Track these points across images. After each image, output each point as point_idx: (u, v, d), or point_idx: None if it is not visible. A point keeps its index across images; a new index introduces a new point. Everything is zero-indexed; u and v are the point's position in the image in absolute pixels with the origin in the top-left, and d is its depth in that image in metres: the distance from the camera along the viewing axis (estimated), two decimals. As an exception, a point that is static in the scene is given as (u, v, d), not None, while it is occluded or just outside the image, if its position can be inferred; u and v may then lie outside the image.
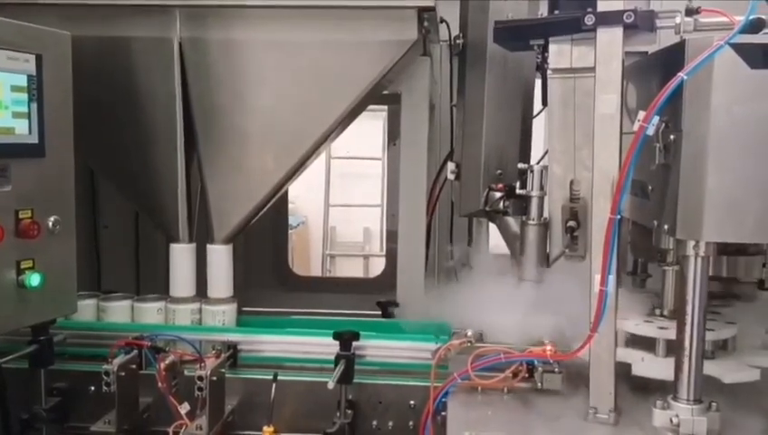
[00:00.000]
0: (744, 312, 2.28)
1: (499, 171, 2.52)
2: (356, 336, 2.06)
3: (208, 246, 2.25)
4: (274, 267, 3.72)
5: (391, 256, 3.40)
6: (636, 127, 1.63)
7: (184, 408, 2.01)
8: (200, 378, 1.91)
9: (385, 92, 2.49)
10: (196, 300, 2.33)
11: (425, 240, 2.77)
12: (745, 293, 2.22)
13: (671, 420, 1.72)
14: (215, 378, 1.96)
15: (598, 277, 1.80)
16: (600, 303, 1.79)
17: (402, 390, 2.14)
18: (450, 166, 2.66)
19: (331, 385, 1.89)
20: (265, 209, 2.29)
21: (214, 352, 2.08)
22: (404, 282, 2.53)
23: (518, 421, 1.87)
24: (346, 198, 8.82)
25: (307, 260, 9.47)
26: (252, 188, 2.16)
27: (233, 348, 2.14)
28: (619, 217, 1.73)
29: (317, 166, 10.22)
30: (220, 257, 2.25)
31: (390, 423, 2.13)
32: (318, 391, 2.10)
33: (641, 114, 1.61)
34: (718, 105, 1.62)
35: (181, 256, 2.26)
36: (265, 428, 1.99)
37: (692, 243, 1.69)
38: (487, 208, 2.33)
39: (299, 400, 2.13)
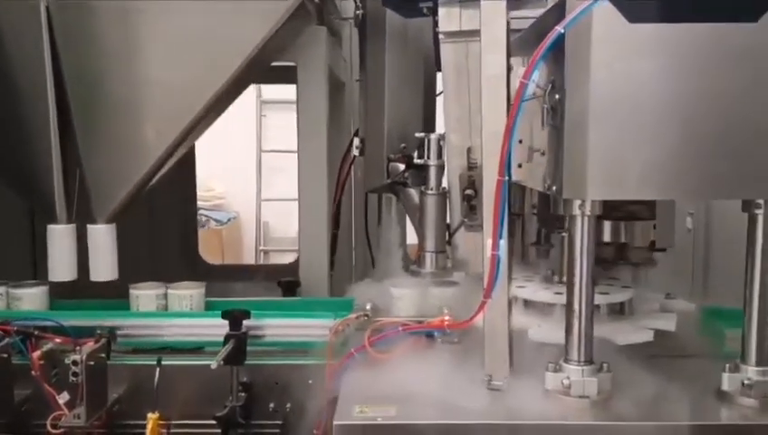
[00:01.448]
0: (646, 278, 2.36)
1: (403, 144, 2.52)
2: (246, 314, 2.00)
3: (89, 227, 2.15)
4: (183, 256, 3.63)
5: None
6: (515, 84, 1.63)
7: (63, 397, 1.92)
8: (75, 363, 1.83)
9: (278, 64, 2.44)
10: (159, 286, 2.24)
11: (334, 219, 2.74)
12: (647, 259, 2.28)
13: (563, 383, 1.74)
14: (92, 363, 1.87)
15: (489, 242, 1.81)
16: (492, 268, 1.79)
17: (300, 369, 2.11)
18: (355, 141, 2.64)
19: (214, 365, 1.84)
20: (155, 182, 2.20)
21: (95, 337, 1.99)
22: (307, 261, 2.49)
23: (413, 394, 1.85)
24: (279, 193, 8.74)
25: (240, 257, 9.34)
26: (133, 163, 2.08)
27: (112, 332, 2.05)
28: (506, 178, 1.74)
29: (248, 160, 10.13)
30: (102, 238, 2.16)
31: (288, 405, 2.09)
32: (211, 374, 2.03)
33: (521, 70, 1.62)
34: (598, 62, 1.63)
35: (59, 237, 2.16)
36: (150, 415, 1.92)
37: (578, 202, 1.71)
38: (388, 181, 2.32)
39: (190, 385, 2.07)
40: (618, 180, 1.67)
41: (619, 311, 2.09)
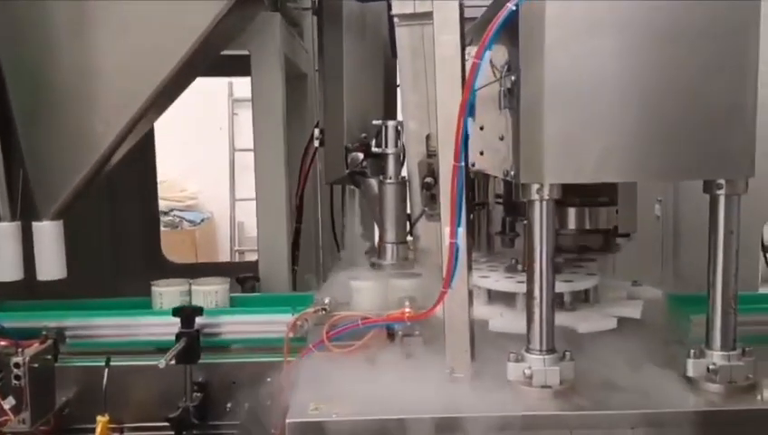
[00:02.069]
0: (613, 266, 2.34)
1: (364, 134, 2.47)
2: (198, 311, 1.94)
3: (34, 224, 2.07)
4: (146, 255, 3.55)
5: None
6: (469, 64, 1.59)
7: (8, 402, 1.84)
8: (17, 365, 1.75)
9: (231, 52, 2.37)
10: (182, 283, 2.16)
11: (297, 212, 2.68)
12: (611, 246, 2.24)
13: (524, 373, 1.70)
14: (36, 366, 1.80)
15: (447, 231, 1.76)
16: (450, 257, 1.74)
17: (258, 367, 2.05)
18: (315, 132, 2.59)
19: (162, 364, 1.77)
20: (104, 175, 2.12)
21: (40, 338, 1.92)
22: (266, 256, 2.43)
23: (372, 390, 1.80)
24: (253, 192, 8.58)
25: (215, 257, 9.23)
26: (77, 156, 2.00)
27: (60, 334, 1.98)
28: (462, 164, 1.70)
29: (221, 159, 10.00)
30: (48, 236, 2.07)
31: (246, 404, 2.03)
32: (164, 375, 1.97)
33: (472, 50, 1.57)
34: (553, 41, 1.60)
35: (2, 236, 2.08)
36: (99, 418, 1.85)
37: (535, 186, 1.67)
38: (347, 171, 2.26)
39: (144, 386, 2.00)
40: (575, 163, 1.63)
41: (583, 299, 2.05)
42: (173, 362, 1.88)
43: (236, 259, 8.70)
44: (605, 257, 2.33)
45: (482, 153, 2.18)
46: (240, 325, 2.10)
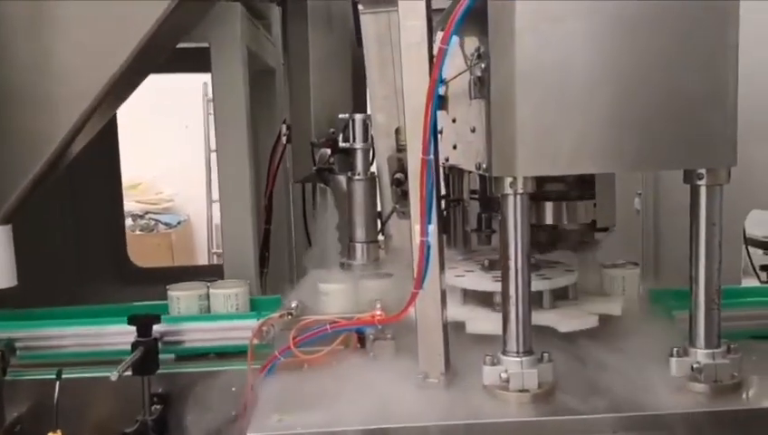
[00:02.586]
0: (593, 261, 2.26)
1: (332, 129, 2.37)
2: (155, 319, 1.83)
3: (-20, 229, 1.95)
4: (111, 259, 3.42)
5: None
6: (436, 50, 1.50)
7: (-47, 421, 1.73)
8: (-43, 382, 1.64)
9: (191, 45, 2.26)
10: (200, 286, 2.07)
11: (266, 213, 2.59)
12: (589, 241, 2.17)
13: (500, 377, 1.62)
14: (-20, 381, 1.69)
15: (417, 228, 1.67)
16: (421, 256, 1.66)
17: (222, 376, 1.95)
18: (282, 128, 2.49)
19: (114, 377, 1.66)
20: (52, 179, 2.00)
21: (-13, 351, 1.81)
22: (231, 260, 2.32)
23: (340, 397, 1.71)
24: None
25: (192, 259, 9.08)
26: (24, 157, 1.89)
27: (9, 345, 1.86)
28: (431, 157, 1.61)
29: (196, 161, 9.85)
30: (-5, 241, 1.96)
31: (209, 416, 1.93)
32: (123, 387, 1.87)
33: (439, 35, 1.49)
34: (523, 25, 1.52)
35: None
36: (50, 434, 1.74)
37: (508, 180, 1.59)
38: (313, 168, 2.17)
39: (101, 399, 1.90)
40: (550, 154, 1.55)
41: (562, 296, 1.98)
42: (129, 373, 1.77)
43: (215, 262, 8.55)
44: (583, 253, 2.27)
45: (455, 147, 2.11)
46: (203, 332, 2.00)
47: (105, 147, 3.43)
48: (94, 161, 3.16)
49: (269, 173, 2.71)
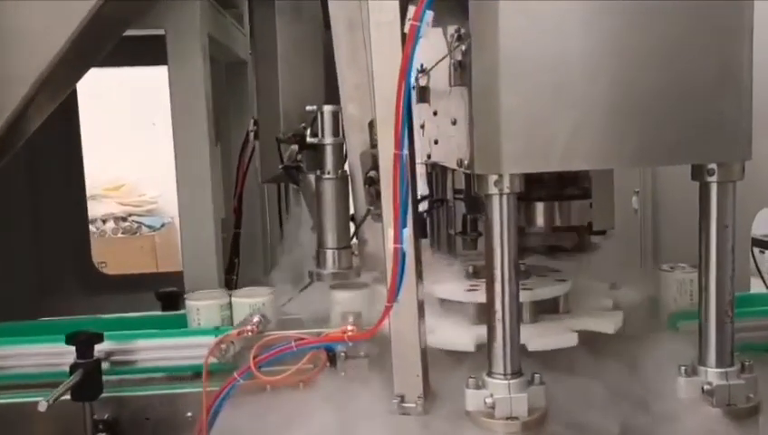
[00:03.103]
0: (588, 267, 2.08)
1: (303, 124, 2.17)
2: (97, 338, 1.63)
3: None
4: (74, 266, 3.22)
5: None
6: (407, 28, 1.30)
7: None
8: None
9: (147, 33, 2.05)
10: (221, 294, 1.89)
11: (235, 215, 2.39)
12: (585, 245, 1.98)
13: (485, 402, 1.42)
14: None
15: (391, 233, 1.48)
16: (395, 264, 1.46)
17: (176, 399, 1.76)
18: (249, 124, 2.29)
19: (42, 407, 1.45)
20: None
21: None
22: (192, 267, 2.12)
23: (305, 425, 1.51)
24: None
25: (177, 262, 8.84)
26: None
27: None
28: (405, 152, 1.42)
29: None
30: None
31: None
32: (65, 413, 1.68)
33: (411, 10, 1.29)
34: (509, 3, 1.32)
35: None
36: (-25, 470, 1.54)
37: (493, 178, 1.39)
38: (279, 167, 1.96)
39: (38, 427, 1.69)
40: (540, 149, 1.36)
41: (550, 309, 1.78)
42: (67, 396, 1.57)
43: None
44: (580, 258, 2.08)
45: (436, 142, 1.92)
46: (156, 351, 1.79)
47: (67, 150, 3.23)
48: (56, 165, 2.97)
49: (238, 173, 2.51)
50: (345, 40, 1.68)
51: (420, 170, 2.11)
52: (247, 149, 2.51)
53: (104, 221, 9.06)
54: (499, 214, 1.41)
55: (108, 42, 1.79)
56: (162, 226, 9.25)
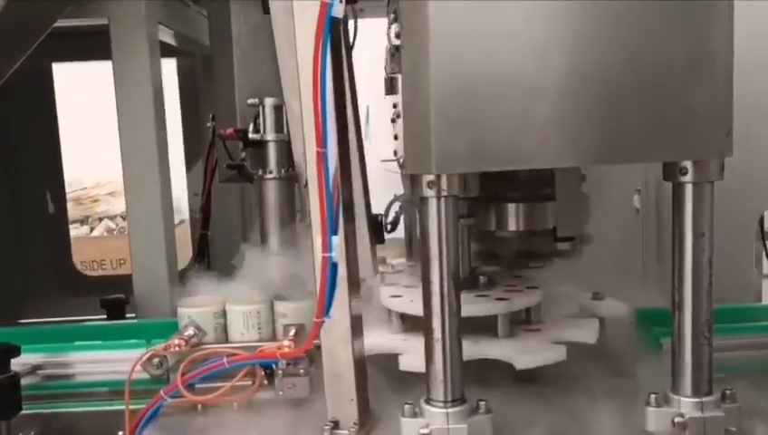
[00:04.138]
0: (566, 272, 1.89)
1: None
2: (12, 351, 1.50)
3: None
4: (54, 268, 3.13)
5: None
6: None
7: None
8: None
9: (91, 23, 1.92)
10: (215, 301, 1.74)
11: (203, 215, 2.25)
12: (554, 252, 1.80)
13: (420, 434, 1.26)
14: None
15: (319, 241, 1.32)
16: (324, 276, 1.30)
17: (105, 417, 1.63)
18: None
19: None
20: None
21: None
22: (141, 275, 1.98)
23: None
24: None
25: (184, 262, 8.80)
26: None
27: None
28: (327, 150, 1.26)
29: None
30: None
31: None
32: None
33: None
34: (440, -27, 1.15)
35: None
36: None
37: (426, 178, 1.22)
38: (225, 166, 1.82)
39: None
40: (479, 146, 1.18)
41: (523, 320, 1.61)
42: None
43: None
44: (561, 264, 1.90)
45: (396, 138, 1.75)
46: (86, 364, 1.67)
47: (45, 149, 3.14)
48: (34, 165, 2.88)
49: (205, 172, 2.38)
50: (284, 26, 1.53)
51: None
52: (213, 147, 2.38)
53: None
54: (437, 220, 1.24)
55: (37, 33, 1.66)
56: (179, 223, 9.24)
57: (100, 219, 8.35)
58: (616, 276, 1.99)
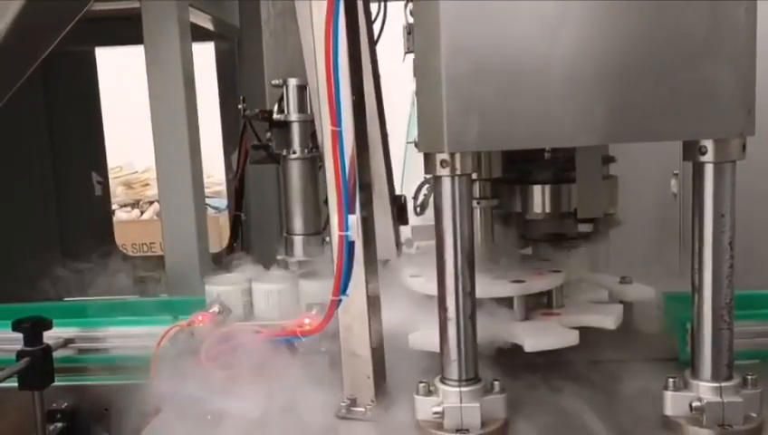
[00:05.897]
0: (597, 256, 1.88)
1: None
2: (45, 325, 1.58)
3: None
4: (96, 246, 3.24)
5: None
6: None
7: None
8: None
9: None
10: (241, 279, 1.81)
11: (236, 197, 2.30)
12: (580, 234, 1.78)
13: (434, 411, 1.28)
14: None
15: (335, 219, 1.34)
16: (340, 254, 1.33)
17: (135, 390, 1.69)
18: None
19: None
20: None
21: None
22: (173, 253, 2.04)
23: (249, 428, 1.41)
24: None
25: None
26: None
27: None
28: (342, 128, 1.28)
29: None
30: None
31: (121, 435, 1.68)
32: (21, 401, 1.64)
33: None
34: (453, -51, 1.15)
35: None
36: None
37: (440, 157, 1.23)
38: (250, 146, 1.85)
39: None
40: (493, 125, 1.19)
41: (543, 304, 1.61)
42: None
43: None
44: (592, 248, 1.88)
45: (420, 119, 1.76)
46: (117, 339, 1.74)
47: (89, 135, 3.24)
48: (77, 151, 2.98)
49: (239, 153, 2.43)
50: (305, 4, 1.55)
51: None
52: (246, 129, 2.42)
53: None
54: (450, 198, 1.25)
55: (67, 18, 1.71)
56: (228, 207, 9.42)
57: (150, 203, 8.54)
58: (649, 261, 1.97)
